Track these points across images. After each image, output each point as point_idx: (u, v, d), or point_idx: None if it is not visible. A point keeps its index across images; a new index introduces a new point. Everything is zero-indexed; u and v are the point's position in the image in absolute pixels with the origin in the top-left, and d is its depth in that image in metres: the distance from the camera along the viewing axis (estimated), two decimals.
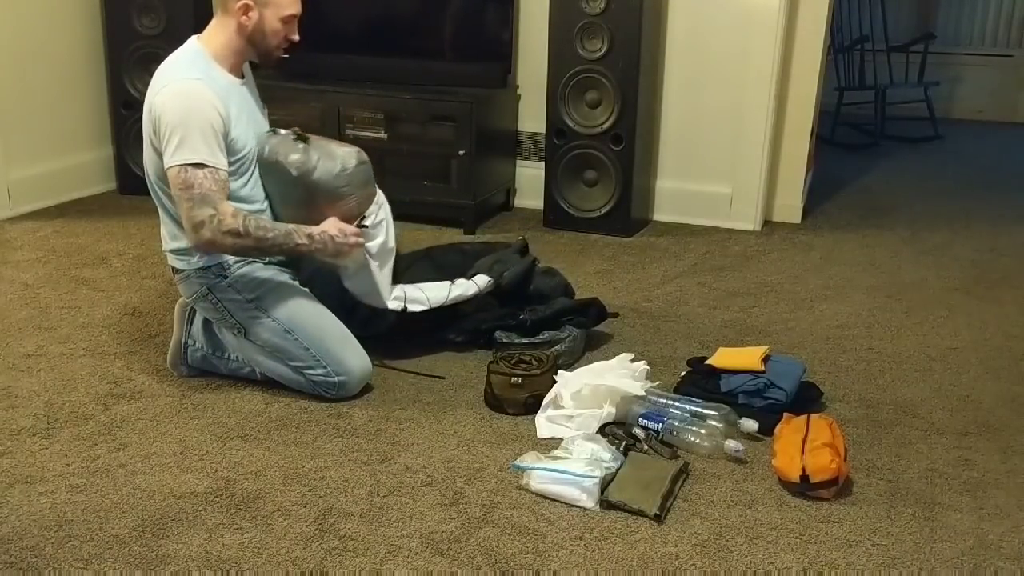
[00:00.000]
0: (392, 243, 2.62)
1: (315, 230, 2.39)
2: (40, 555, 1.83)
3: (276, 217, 2.48)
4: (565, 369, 2.50)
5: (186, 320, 2.57)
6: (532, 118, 4.20)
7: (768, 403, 2.39)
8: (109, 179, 4.43)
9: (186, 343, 2.56)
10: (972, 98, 7.10)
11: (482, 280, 2.76)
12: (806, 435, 2.13)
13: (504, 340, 2.71)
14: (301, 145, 2.44)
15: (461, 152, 3.89)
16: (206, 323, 2.55)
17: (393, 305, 2.60)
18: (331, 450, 2.24)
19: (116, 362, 2.68)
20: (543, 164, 4.08)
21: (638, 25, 3.71)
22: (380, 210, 2.58)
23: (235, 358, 2.52)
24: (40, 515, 1.96)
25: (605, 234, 3.94)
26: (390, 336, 2.71)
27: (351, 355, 2.47)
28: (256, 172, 2.45)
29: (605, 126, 3.85)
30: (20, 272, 3.37)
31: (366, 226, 2.51)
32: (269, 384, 2.53)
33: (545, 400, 2.39)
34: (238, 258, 2.44)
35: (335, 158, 2.45)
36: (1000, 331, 3.07)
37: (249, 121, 2.44)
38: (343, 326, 2.51)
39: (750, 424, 2.30)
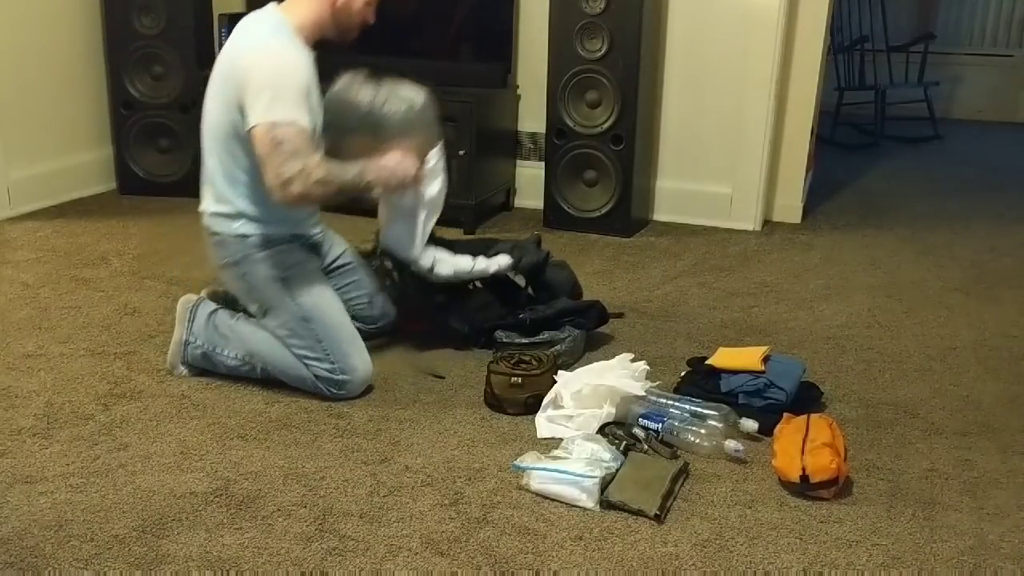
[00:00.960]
0: (440, 199, 2.68)
1: (378, 163, 2.46)
2: (40, 555, 1.83)
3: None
4: (565, 369, 2.50)
5: (188, 318, 2.57)
6: (532, 118, 4.20)
7: (768, 403, 2.39)
8: (109, 179, 4.43)
9: (187, 340, 2.55)
10: (972, 98, 7.10)
11: (504, 260, 2.80)
12: (806, 435, 2.13)
13: (504, 340, 2.71)
14: (372, 83, 2.53)
15: (461, 152, 3.89)
16: (208, 320, 2.55)
17: (424, 261, 2.66)
18: (331, 450, 2.24)
19: (116, 362, 2.68)
20: (543, 164, 4.08)
21: (638, 25, 3.71)
22: (438, 162, 2.65)
23: (235, 355, 2.52)
24: (40, 515, 1.96)
25: (605, 234, 3.95)
26: (395, 332, 2.74)
27: (358, 356, 2.48)
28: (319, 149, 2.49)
29: (605, 126, 3.85)
30: (20, 272, 3.37)
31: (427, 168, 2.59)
32: (269, 384, 2.53)
33: (545, 400, 2.39)
34: (277, 234, 2.48)
35: (403, 96, 2.54)
36: (1000, 331, 3.07)
37: (319, 97, 2.48)
38: (354, 328, 2.54)
39: (750, 424, 2.30)
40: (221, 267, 2.54)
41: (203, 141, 2.49)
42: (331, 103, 2.53)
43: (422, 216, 2.64)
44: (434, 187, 2.65)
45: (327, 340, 2.44)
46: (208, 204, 2.51)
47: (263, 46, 2.37)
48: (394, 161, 2.48)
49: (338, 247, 2.73)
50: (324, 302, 2.50)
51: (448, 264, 2.71)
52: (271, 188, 2.33)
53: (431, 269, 2.68)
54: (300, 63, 2.38)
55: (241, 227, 2.46)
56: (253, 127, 2.31)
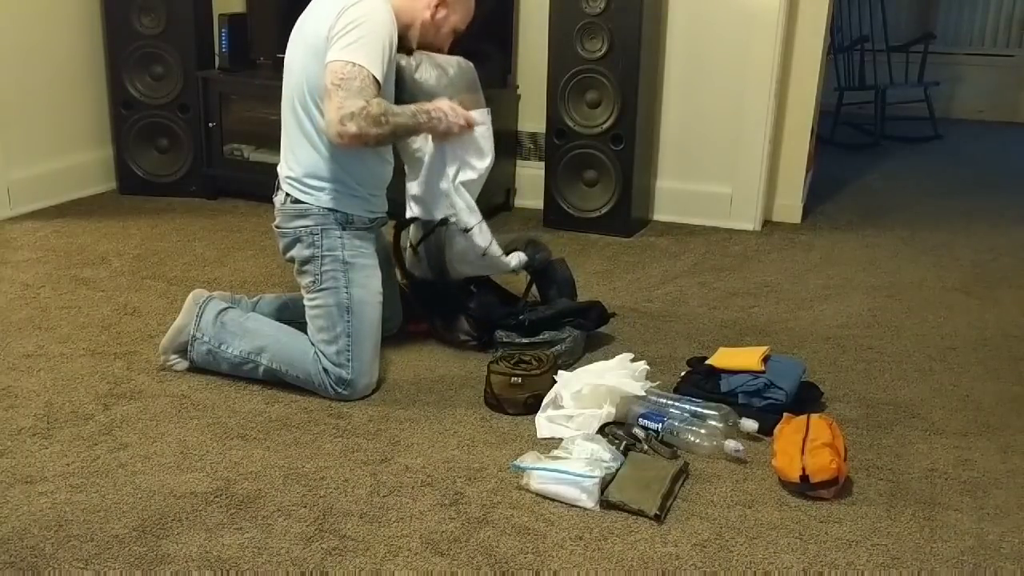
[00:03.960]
0: (485, 170, 2.70)
1: (431, 105, 2.51)
2: (40, 555, 1.83)
3: None
4: (565, 369, 2.50)
5: (197, 313, 2.56)
6: (532, 118, 4.20)
7: (768, 403, 2.39)
8: (109, 179, 4.43)
9: (194, 336, 2.55)
10: (972, 98, 7.10)
11: (521, 257, 2.83)
12: (806, 435, 2.13)
13: (504, 340, 2.71)
14: (408, 55, 2.61)
15: None
16: (216, 317, 2.55)
17: (470, 219, 2.67)
18: (331, 450, 2.24)
19: (116, 362, 2.68)
20: (543, 164, 4.08)
21: (638, 25, 3.71)
22: (487, 127, 2.68)
23: (240, 352, 2.51)
24: (40, 515, 1.96)
25: (605, 234, 3.95)
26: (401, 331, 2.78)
27: (373, 364, 2.52)
28: None
29: (605, 126, 3.85)
30: (20, 272, 3.37)
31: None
32: (269, 384, 2.53)
33: (545, 400, 2.39)
34: (357, 217, 2.51)
35: (436, 63, 2.62)
36: (1000, 331, 3.07)
37: (392, 65, 2.52)
38: (380, 341, 2.57)
39: (750, 424, 2.30)
40: (292, 236, 2.52)
41: (284, 110, 2.54)
42: None
43: (451, 171, 2.64)
44: (477, 152, 2.67)
45: (354, 337, 2.46)
46: (294, 171, 2.52)
47: (370, 2, 2.41)
48: (446, 106, 2.52)
49: (381, 239, 2.75)
50: (370, 305, 2.52)
51: (486, 236, 2.72)
52: (328, 123, 2.37)
53: (468, 230, 2.68)
54: (390, 22, 2.43)
55: (329, 200, 2.49)
56: (330, 62, 2.35)
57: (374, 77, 2.36)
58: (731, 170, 4.08)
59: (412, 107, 2.48)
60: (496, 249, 2.74)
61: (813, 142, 4.27)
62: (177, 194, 4.34)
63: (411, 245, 2.82)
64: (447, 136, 2.58)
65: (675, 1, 3.97)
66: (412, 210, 2.76)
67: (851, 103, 6.09)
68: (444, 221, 2.68)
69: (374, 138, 2.39)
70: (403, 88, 2.57)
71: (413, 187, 2.72)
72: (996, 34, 7.14)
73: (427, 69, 2.59)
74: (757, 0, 3.86)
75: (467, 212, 2.68)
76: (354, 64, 2.34)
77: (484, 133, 2.66)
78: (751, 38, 3.91)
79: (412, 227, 2.80)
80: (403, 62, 2.57)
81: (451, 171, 2.65)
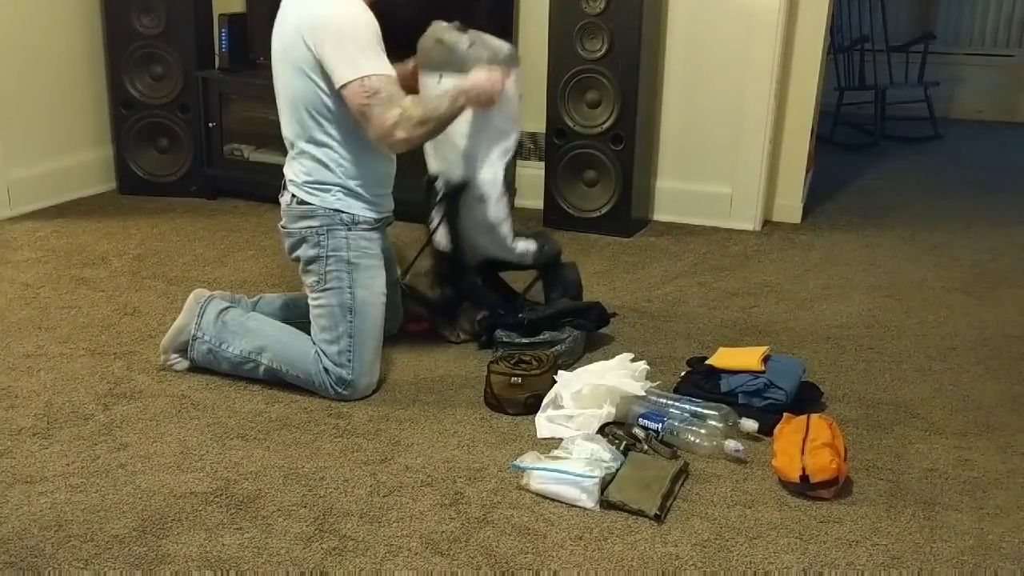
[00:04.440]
0: (516, 134, 2.72)
1: (466, 84, 2.49)
2: (40, 555, 1.83)
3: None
4: (565, 369, 2.50)
5: (198, 313, 2.57)
6: (532, 118, 4.19)
7: (768, 403, 2.39)
8: (109, 179, 4.43)
9: (194, 335, 2.55)
10: (972, 98, 7.09)
11: (531, 245, 2.84)
12: (806, 435, 2.13)
13: (504, 340, 2.71)
14: (460, 31, 2.64)
15: None
16: (217, 316, 2.55)
17: (494, 192, 2.69)
18: (331, 450, 2.24)
19: (116, 362, 2.68)
20: (543, 164, 4.08)
21: (638, 25, 3.71)
22: (517, 103, 2.71)
23: (240, 352, 2.52)
24: (40, 515, 1.96)
25: (605, 234, 3.95)
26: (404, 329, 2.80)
27: (374, 366, 2.52)
28: None
29: (605, 126, 3.85)
30: (20, 272, 3.37)
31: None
32: (269, 384, 2.53)
33: (545, 400, 2.39)
34: (362, 217, 2.51)
35: (489, 44, 2.63)
36: (1000, 331, 3.07)
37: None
38: (382, 340, 2.58)
39: (750, 424, 2.30)
40: (298, 237, 2.52)
41: (281, 114, 2.53)
42: (421, 45, 2.62)
43: (489, 137, 2.66)
44: (512, 120, 2.70)
45: (356, 338, 2.46)
46: (298, 175, 2.52)
47: (326, 5, 2.39)
48: (482, 75, 2.51)
49: (386, 239, 2.73)
50: (373, 305, 2.52)
51: (502, 212, 2.72)
52: (377, 140, 2.40)
53: (487, 200, 2.68)
54: (365, 13, 2.41)
55: (335, 200, 2.49)
56: (344, 86, 2.35)
57: (389, 75, 2.37)
58: (731, 170, 4.08)
59: (449, 92, 2.47)
60: (507, 229, 2.76)
61: (813, 142, 4.27)
62: (177, 194, 4.34)
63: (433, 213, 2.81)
64: (490, 104, 2.57)
65: (675, 1, 3.97)
66: (435, 165, 2.75)
67: (851, 103, 6.08)
68: (465, 185, 2.69)
69: (423, 137, 2.43)
70: (455, 63, 2.58)
71: (448, 144, 2.70)
72: (996, 34, 7.14)
73: (479, 49, 2.60)
74: (757, 0, 3.86)
75: (491, 184, 2.69)
76: (367, 77, 2.34)
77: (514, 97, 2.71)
78: (751, 38, 3.91)
79: (433, 186, 2.79)
80: (456, 40, 2.59)
81: (490, 137, 2.67)
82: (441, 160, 2.74)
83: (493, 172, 2.69)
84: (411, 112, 2.36)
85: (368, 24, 2.40)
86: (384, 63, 2.38)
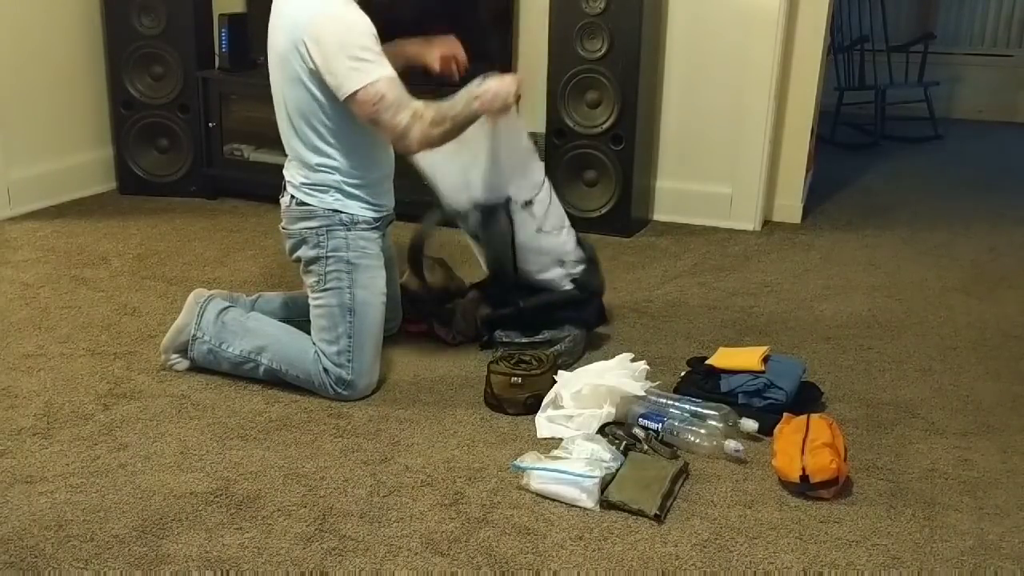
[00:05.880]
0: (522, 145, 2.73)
1: (480, 89, 2.48)
2: (40, 555, 1.83)
3: None
4: (565, 369, 2.50)
5: (198, 312, 2.57)
6: (532, 118, 4.19)
7: (768, 403, 2.39)
8: (109, 179, 4.43)
9: (195, 335, 2.55)
10: (972, 98, 7.10)
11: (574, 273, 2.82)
12: (806, 435, 2.13)
13: (504, 340, 2.71)
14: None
15: None
16: (217, 316, 2.55)
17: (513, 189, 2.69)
18: (331, 450, 2.24)
19: (116, 362, 2.68)
20: (543, 164, 4.07)
21: (638, 25, 3.71)
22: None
23: (240, 351, 2.52)
24: (40, 515, 1.96)
25: (605, 234, 3.94)
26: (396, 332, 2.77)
27: (374, 366, 2.52)
28: None
29: (605, 126, 3.85)
30: (20, 272, 3.37)
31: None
32: (269, 384, 2.53)
33: (545, 400, 2.39)
34: (362, 217, 2.51)
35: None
36: (1000, 331, 3.07)
37: None
38: (382, 340, 2.57)
39: (750, 424, 2.30)
40: (297, 238, 2.52)
41: (279, 119, 2.53)
42: None
43: (512, 144, 2.67)
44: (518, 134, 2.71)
45: (356, 338, 2.46)
46: (295, 177, 2.52)
47: (322, 12, 2.36)
48: (496, 83, 2.50)
49: (387, 239, 2.73)
50: (373, 306, 2.52)
51: (543, 207, 2.74)
52: (393, 143, 2.42)
53: (530, 202, 2.70)
54: (359, 15, 2.39)
55: (334, 201, 2.49)
56: (350, 95, 2.34)
57: (393, 77, 2.36)
58: (731, 170, 4.08)
59: (463, 96, 2.46)
60: (567, 237, 2.79)
61: (813, 142, 4.27)
62: (177, 194, 4.34)
63: (471, 236, 2.78)
64: (504, 112, 2.56)
65: (675, 1, 3.97)
66: (465, 198, 2.71)
67: (851, 103, 6.08)
68: (507, 202, 2.68)
69: (439, 137, 2.42)
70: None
71: (474, 169, 2.68)
72: (996, 34, 7.14)
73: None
74: (757, 0, 3.86)
75: (528, 188, 2.72)
76: (372, 83, 2.32)
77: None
78: (751, 38, 3.91)
79: (468, 217, 2.75)
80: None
81: (513, 143, 2.67)
82: (460, 191, 2.71)
83: (531, 175, 2.72)
84: (423, 113, 2.36)
85: (364, 27, 2.37)
86: (385, 65, 2.37)
